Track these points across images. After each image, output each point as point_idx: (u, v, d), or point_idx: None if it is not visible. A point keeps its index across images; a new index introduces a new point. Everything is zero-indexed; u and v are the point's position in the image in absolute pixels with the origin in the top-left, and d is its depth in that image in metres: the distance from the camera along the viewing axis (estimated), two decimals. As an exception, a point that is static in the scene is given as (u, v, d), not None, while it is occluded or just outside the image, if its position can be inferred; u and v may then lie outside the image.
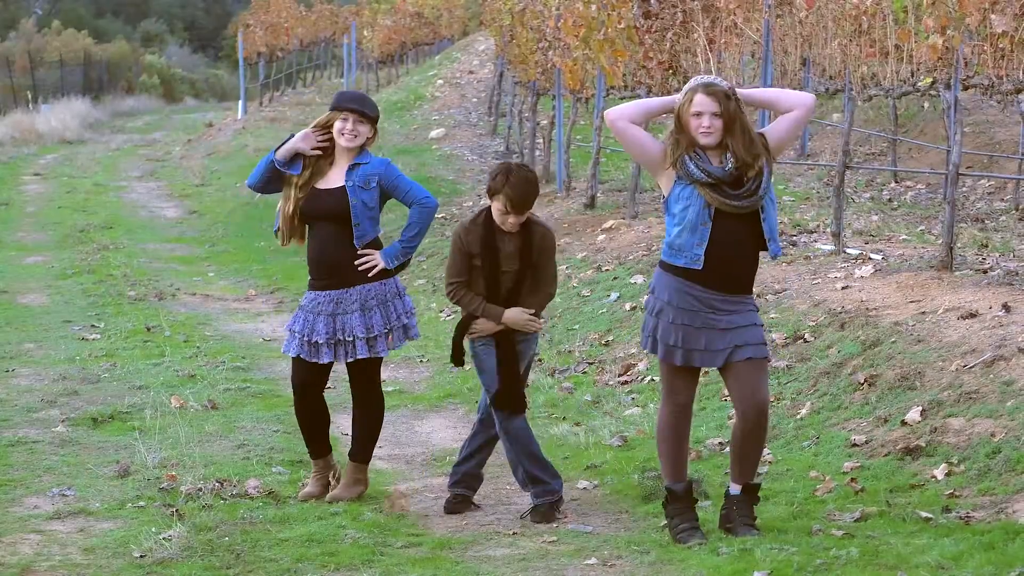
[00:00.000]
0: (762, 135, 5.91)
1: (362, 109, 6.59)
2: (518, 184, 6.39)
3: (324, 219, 6.61)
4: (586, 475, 7.18)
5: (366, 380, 6.75)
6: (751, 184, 5.78)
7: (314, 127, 6.64)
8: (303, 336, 6.62)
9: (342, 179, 6.62)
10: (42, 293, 14.03)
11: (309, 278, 6.76)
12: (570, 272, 12.58)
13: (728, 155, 5.79)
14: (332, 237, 6.62)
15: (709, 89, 5.82)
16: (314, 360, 6.64)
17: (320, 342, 6.60)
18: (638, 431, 7.86)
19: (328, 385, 6.88)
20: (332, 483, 6.79)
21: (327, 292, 6.63)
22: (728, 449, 7.49)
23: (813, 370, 8.24)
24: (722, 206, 5.76)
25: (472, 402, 9.02)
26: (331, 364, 6.70)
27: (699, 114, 5.80)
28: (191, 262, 16.76)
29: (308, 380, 6.73)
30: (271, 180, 6.71)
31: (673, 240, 5.86)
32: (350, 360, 6.65)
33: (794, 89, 12.48)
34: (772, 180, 5.87)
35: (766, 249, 5.88)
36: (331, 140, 6.63)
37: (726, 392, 8.41)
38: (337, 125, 6.59)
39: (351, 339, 6.61)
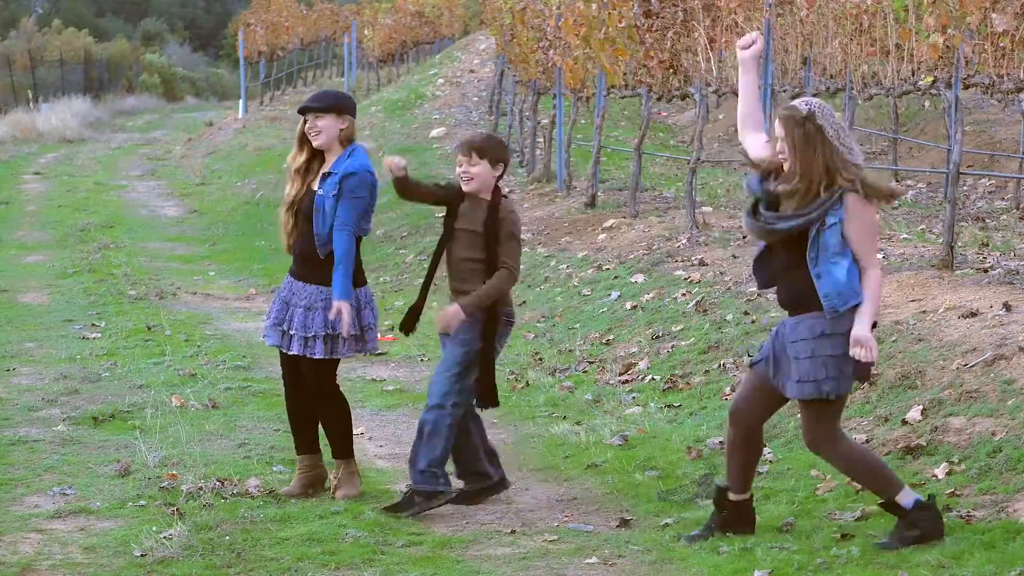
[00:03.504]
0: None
1: (308, 104, 6.64)
2: (465, 135, 6.56)
3: (303, 217, 6.67)
4: (587, 474, 7.18)
5: (315, 379, 6.73)
6: (773, 217, 5.59)
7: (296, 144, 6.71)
8: (275, 324, 6.73)
9: (317, 183, 6.68)
10: (43, 292, 14.03)
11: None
12: (571, 271, 12.59)
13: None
14: (306, 233, 6.67)
15: (781, 115, 5.63)
16: (284, 349, 6.71)
17: (292, 333, 6.66)
18: (639, 430, 7.86)
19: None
20: (333, 483, 6.79)
21: (291, 279, 6.74)
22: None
23: (814, 369, 8.23)
24: (742, 220, 5.74)
25: (473, 401, 9.02)
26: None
27: (776, 139, 5.66)
28: (192, 261, 16.76)
29: (287, 372, 6.83)
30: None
31: None
32: (287, 352, 6.71)
33: (795, 87, 12.49)
34: (828, 241, 5.53)
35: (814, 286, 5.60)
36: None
37: (727, 391, 8.42)
38: (301, 128, 6.67)
39: (292, 333, 6.66)
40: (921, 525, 5.63)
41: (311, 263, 6.66)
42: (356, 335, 6.66)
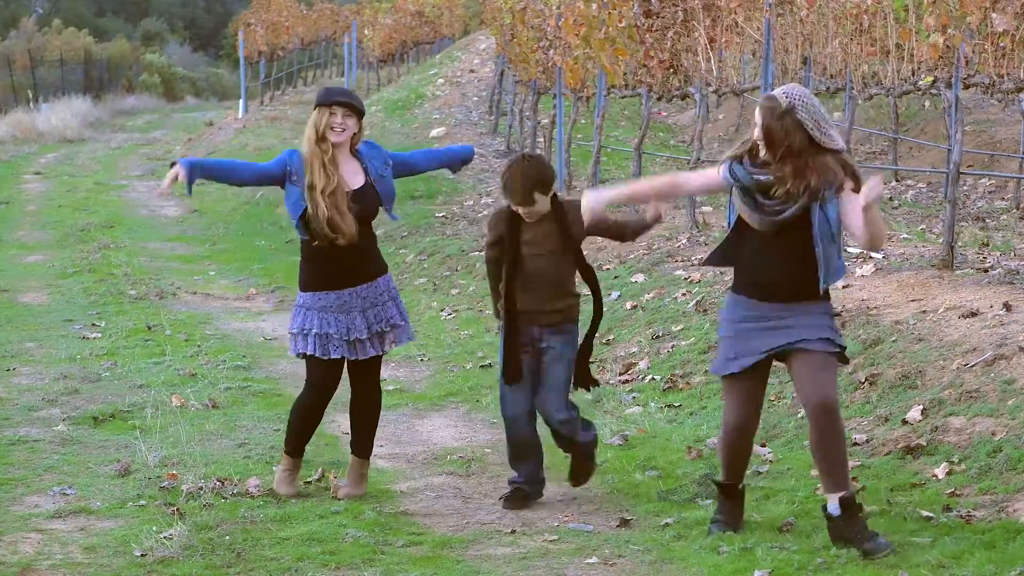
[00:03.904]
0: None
1: (351, 102, 6.59)
2: (513, 178, 6.38)
3: (363, 220, 6.61)
4: (587, 474, 7.17)
5: (374, 373, 6.80)
6: (777, 204, 5.58)
7: (316, 136, 6.58)
8: (342, 336, 6.61)
9: (361, 177, 6.63)
10: (43, 292, 14.03)
11: (311, 279, 6.64)
12: (571, 271, 12.57)
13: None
14: (362, 236, 6.61)
15: (761, 104, 5.63)
16: (354, 357, 6.67)
17: (363, 338, 6.63)
18: (639, 430, 7.86)
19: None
20: (334, 483, 6.79)
21: (352, 289, 6.62)
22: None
23: (814, 369, 8.23)
24: (743, 215, 5.67)
25: (473, 400, 9.02)
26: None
27: (756, 124, 5.64)
28: (192, 261, 16.76)
29: (334, 381, 6.76)
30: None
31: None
32: (388, 350, 6.74)
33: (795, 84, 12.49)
34: (829, 216, 5.60)
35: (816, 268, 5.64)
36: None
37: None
38: (326, 120, 6.55)
39: (388, 328, 6.68)
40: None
41: (372, 258, 6.69)
42: (403, 324, 6.78)
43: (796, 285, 5.68)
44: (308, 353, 6.63)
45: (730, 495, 6.03)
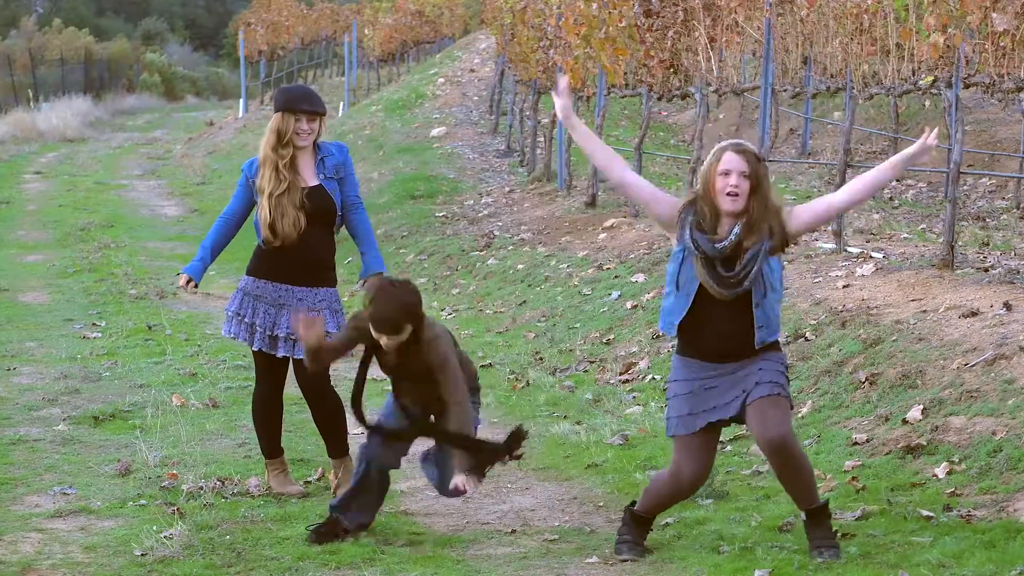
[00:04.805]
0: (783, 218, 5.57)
1: (314, 108, 6.61)
2: (382, 305, 5.79)
3: (314, 219, 6.61)
4: (587, 474, 7.18)
5: (324, 377, 6.74)
6: (741, 270, 5.44)
7: (278, 142, 6.58)
8: (265, 330, 6.66)
9: (314, 176, 6.64)
10: (43, 291, 14.04)
11: (257, 265, 6.70)
12: (571, 271, 12.58)
13: (737, 226, 5.46)
14: (317, 236, 6.64)
15: (739, 148, 5.49)
16: (271, 353, 6.69)
17: (281, 336, 6.64)
18: (640, 430, 7.86)
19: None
20: (334, 482, 6.80)
21: (289, 287, 6.65)
22: (726, 449, 7.50)
23: (814, 369, 8.24)
24: (706, 285, 5.47)
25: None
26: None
27: (727, 172, 5.44)
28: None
29: (279, 371, 6.78)
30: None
31: (664, 298, 5.66)
32: (289, 355, 6.68)
33: (795, 87, 12.49)
34: (772, 267, 5.52)
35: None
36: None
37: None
38: (292, 127, 6.57)
39: (293, 337, 6.61)
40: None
41: (324, 267, 6.69)
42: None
43: (751, 345, 5.55)
44: (239, 340, 6.72)
45: (644, 524, 5.88)
